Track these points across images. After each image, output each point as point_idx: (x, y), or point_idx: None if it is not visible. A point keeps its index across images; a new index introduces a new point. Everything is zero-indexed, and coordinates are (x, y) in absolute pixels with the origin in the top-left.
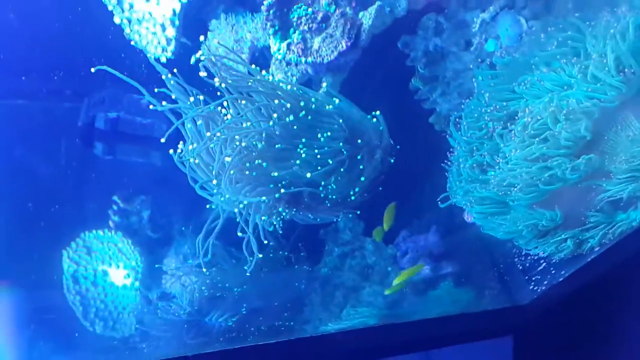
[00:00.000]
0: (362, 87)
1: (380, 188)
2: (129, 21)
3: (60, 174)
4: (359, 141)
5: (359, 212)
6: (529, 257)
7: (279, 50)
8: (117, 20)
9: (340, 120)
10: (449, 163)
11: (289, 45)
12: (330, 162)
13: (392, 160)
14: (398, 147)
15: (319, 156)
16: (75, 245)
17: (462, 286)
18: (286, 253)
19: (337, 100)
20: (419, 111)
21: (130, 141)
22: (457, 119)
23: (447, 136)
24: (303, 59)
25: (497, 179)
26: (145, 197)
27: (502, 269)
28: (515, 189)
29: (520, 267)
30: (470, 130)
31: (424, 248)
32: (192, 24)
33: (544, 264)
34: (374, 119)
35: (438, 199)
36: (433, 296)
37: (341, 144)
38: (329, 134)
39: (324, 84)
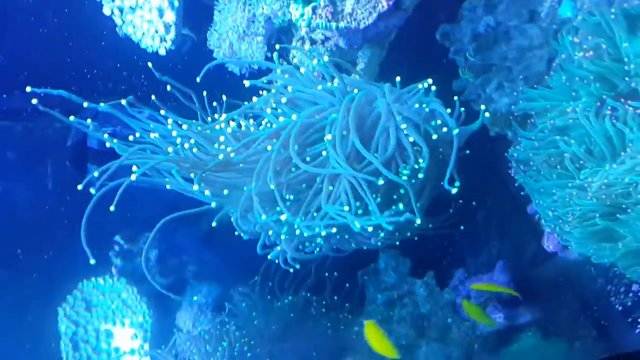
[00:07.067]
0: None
1: None
2: (121, 11)
3: (48, 209)
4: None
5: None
6: (630, 294)
7: (302, 16)
8: (106, 11)
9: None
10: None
11: (314, 9)
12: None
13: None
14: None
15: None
16: (72, 300)
17: (546, 338)
18: (318, 300)
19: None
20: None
21: None
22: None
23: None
24: (334, 24)
25: (609, 177)
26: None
27: (596, 312)
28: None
29: (620, 308)
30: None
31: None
32: (194, 5)
33: None
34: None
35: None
36: (510, 353)
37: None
38: None
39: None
